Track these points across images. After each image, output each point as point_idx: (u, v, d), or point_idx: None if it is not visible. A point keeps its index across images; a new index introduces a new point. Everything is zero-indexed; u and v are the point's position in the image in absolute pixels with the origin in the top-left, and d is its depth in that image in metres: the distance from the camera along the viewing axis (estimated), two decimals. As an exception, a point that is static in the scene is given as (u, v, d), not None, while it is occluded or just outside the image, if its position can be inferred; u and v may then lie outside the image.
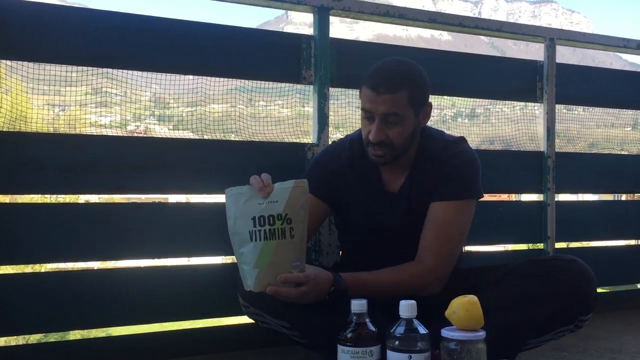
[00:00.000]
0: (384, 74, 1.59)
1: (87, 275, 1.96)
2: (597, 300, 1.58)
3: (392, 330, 1.27)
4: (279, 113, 2.29)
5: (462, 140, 1.75)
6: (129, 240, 1.89)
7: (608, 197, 3.29)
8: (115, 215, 1.91)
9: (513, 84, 2.59)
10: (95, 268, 2.29)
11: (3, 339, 1.90)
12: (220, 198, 1.92)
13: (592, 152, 2.95)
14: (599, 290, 1.62)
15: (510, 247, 3.09)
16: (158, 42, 1.95)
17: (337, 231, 1.93)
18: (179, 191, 2.00)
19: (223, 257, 2.09)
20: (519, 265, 1.66)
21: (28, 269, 2.27)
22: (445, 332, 1.26)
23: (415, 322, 1.27)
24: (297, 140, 2.20)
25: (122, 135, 2.07)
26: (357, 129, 1.83)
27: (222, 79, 2.11)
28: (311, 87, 2.15)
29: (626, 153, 3.08)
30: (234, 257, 1.45)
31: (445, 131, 1.82)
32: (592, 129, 2.95)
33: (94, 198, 2.26)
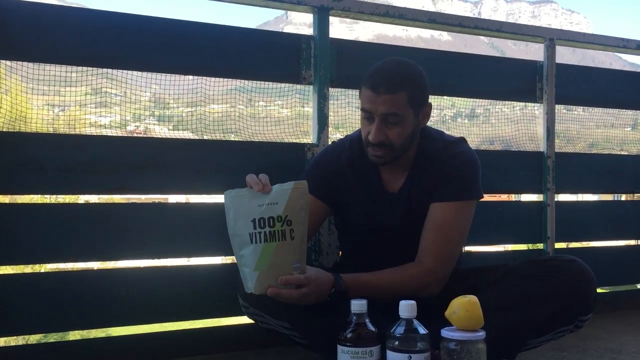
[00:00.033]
0: (384, 75, 1.59)
1: (87, 275, 1.96)
2: (597, 301, 1.58)
3: (392, 331, 1.27)
4: (278, 113, 2.29)
5: (462, 140, 1.75)
6: (129, 241, 1.89)
7: (608, 197, 3.29)
8: (115, 215, 1.91)
9: (513, 84, 2.60)
10: (95, 268, 2.29)
11: (3, 339, 1.89)
12: (220, 198, 1.92)
13: (592, 152, 2.95)
14: (598, 290, 1.62)
15: (510, 247, 3.09)
16: (157, 42, 1.95)
17: (337, 231, 1.93)
18: (178, 191, 2.00)
19: (223, 257, 2.09)
20: (518, 265, 1.66)
21: (28, 269, 2.27)
22: (445, 332, 1.26)
23: (415, 322, 1.27)
24: (297, 141, 2.20)
25: (121, 135, 2.08)
26: (356, 129, 1.83)
27: (221, 79, 2.11)
28: (311, 87, 2.15)
29: (626, 153, 3.08)
30: (233, 257, 1.44)
31: (445, 131, 1.82)
32: (591, 129, 2.95)
33: (93, 198, 2.26)
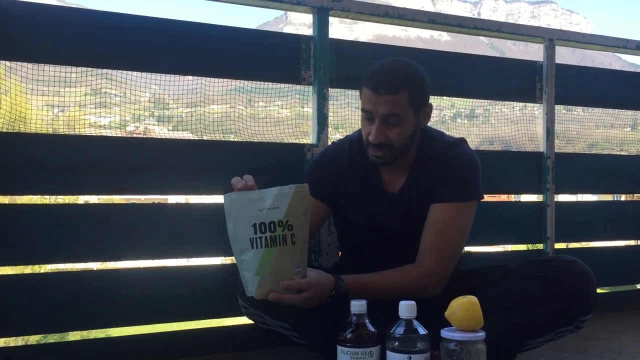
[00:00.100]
0: (385, 75, 1.59)
1: (87, 276, 1.96)
2: (596, 301, 1.58)
3: (391, 331, 1.27)
4: (278, 114, 2.29)
5: (462, 141, 1.75)
6: (129, 241, 1.89)
7: (607, 197, 3.29)
8: (114, 216, 1.90)
9: (512, 84, 2.60)
10: (95, 269, 2.29)
11: (2, 339, 1.89)
12: (219, 199, 1.92)
13: (592, 152, 2.95)
14: (598, 290, 1.62)
15: (510, 247, 3.09)
16: (157, 42, 1.95)
17: (337, 232, 1.93)
18: (178, 192, 2.00)
19: (222, 257, 2.09)
20: (518, 265, 1.66)
21: (27, 269, 2.27)
22: (445, 333, 1.26)
23: (415, 322, 1.27)
24: (297, 141, 2.20)
25: (121, 136, 2.08)
26: (356, 129, 1.83)
27: (221, 80, 2.11)
28: (310, 87, 2.15)
29: (625, 154, 3.09)
30: (233, 258, 1.44)
31: (445, 132, 1.82)
32: (591, 129, 2.95)
33: (93, 199, 2.26)
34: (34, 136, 1.84)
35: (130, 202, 2.13)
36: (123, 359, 1.87)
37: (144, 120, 2.28)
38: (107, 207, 2.05)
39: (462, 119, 2.87)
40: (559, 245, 2.63)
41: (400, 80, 1.58)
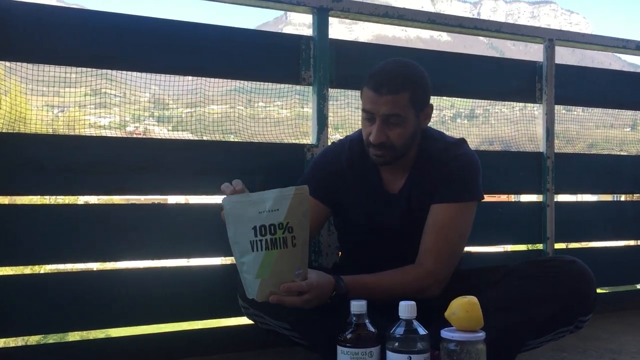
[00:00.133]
0: (386, 75, 1.59)
1: (87, 276, 1.96)
2: (596, 301, 1.58)
3: (391, 331, 1.27)
4: (278, 114, 2.29)
5: (462, 141, 1.75)
6: (129, 241, 1.89)
7: (607, 197, 3.29)
8: (114, 216, 1.90)
9: (512, 84, 2.60)
10: (95, 269, 2.29)
11: (2, 340, 1.89)
12: (219, 199, 1.92)
13: (591, 152, 2.95)
14: (598, 290, 1.62)
15: (510, 247, 3.09)
16: (157, 42, 1.95)
17: (337, 232, 1.93)
18: (178, 192, 2.00)
19: (222, 258, 2.08)
20: (518, 266, 1.66)
21: (27, 270, 2.27)
22: (445, 333, 1.26)
23: (415, 323, 1.27)
24: (297, 141, 2.20)
25: (121, 136, 2.07)
26: (356, 129, 1.83)
27: (221, 80, 2.11)
28: (310, 88, 2.15)
29: (625, 154, 3.09)
30: (233, 258, 1.44)
31: (445, 132, 1.82)
32: (591, 129, 2.95)
33: (93, 199, 2.26)
34: (33, 136, 1.84)
35: (130, 202, 2.12)
36: (122, 359, 1.87)
37: (144, 120, 2.28)
38: (107, 208, 2.05)
39: (461, 119, 2.87)
40: (558, 246, 2.64)
41: (402, 81, 1.58)
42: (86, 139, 1.91)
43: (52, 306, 1.80)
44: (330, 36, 2.15)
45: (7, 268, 1.85)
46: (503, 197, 3.51)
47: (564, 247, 2.83)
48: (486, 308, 1.29)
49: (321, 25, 2.14)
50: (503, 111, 2.79)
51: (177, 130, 2.18)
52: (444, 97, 2.53)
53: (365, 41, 3.49)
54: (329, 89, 2.15)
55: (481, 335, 1.25)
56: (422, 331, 1.26)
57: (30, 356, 1.81)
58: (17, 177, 1.76)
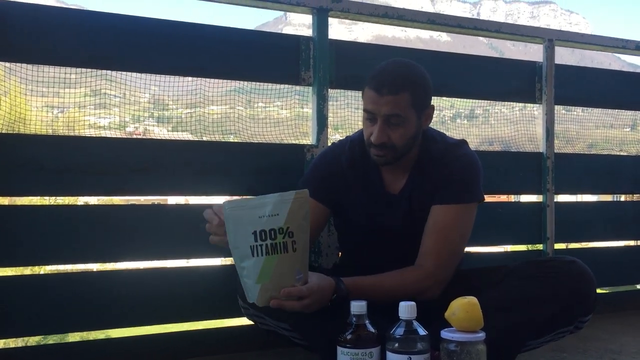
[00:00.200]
0: (387, 76, 1.59)
1: (87, 276, 1.96)
2: (596, 301, 1.58)
3: (391, 332, 1.27)
4: (278, 114, 2.29)
5: (463, 142, 1.75)
6: (128, 242, 1.89)
7: (607, 197, 3.29)
8: (114, 217, 1.90)
9: (512, 84, 2.60)
10: (95, 270, 2.29)
11: (2, 341, 1.89)
12: (219, 199, 1.92)
13: (591, 153, 2.95)
14: (598, 291, 1.61)
15: (510, 248, 3.09)
16: (156, 43, 1.95)
17: (337, 232, 1.93)
18: (178, 193, 2.00)
19: (222, 258, 2.09)
20: (518, 266, 1.66)
21: (27, 270, 2.27)
22: (445, 334, 1.26)
23: (415, 323, 1.27)
24: (296, 142, 2.20)
25: (121, 137, 2.07)
26: (356, 130, 1.83)
27: (221, 81, 2.11)
28: (310, 88, 2.15)
29: (625, 154, 3.09)
30: (233, 258, 1.44)
31: (445, 132, 1.82)
32: (591, 129, 2.95)
33: (93, 200, 2.26)
34: (33, 137, 1.84)
35: (129, 203, 2.12)
36: (123, 360, 1.87)
37: (144, 121, 2.28)
38: (106, 208, 2.04)
39: (461, 119, 2.87)
40: (558, 246, 2.64)
41: (403, 81, 1.58)
42: (86, 139, 1.91)
43: (52, 307, 1.80)
44: (330, 36, 2.15)
45: (7, 269, 1.85)
46: (503, 198, 3.51)
47: (564, 247, 2.84)
48: (486, 308, 1.29)
49: (321, 26, 2.14)
50: (503, 111, 2.79)
51: (177, 131, 2.18)
52: (444, 98, 2.53)
53: (365, 41, 3.49)
54: (329, 90, 2.15)
55: (481, 335, 1.25)
56: (422, 332, 1.26)
57: (30, 357, 1.81)
58: (17, 177, 1.76)
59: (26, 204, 2.00)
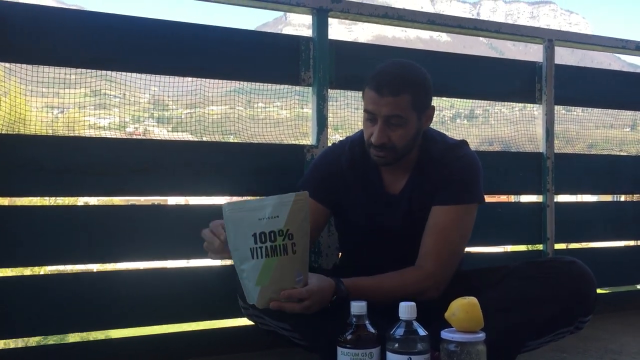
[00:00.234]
0: (388, 76, 1.59)
1: (86, 277, 1.96)
2: (597, 302, 1.58)
3: (391, 332, 1.27)
4: (277, 115, 2.29)
5: (464, 143, 1.75)
6: (129, 243, 1.89)
7: (607, 198, 3.29)
8: (114, 217, 1.90)
9: (512, 85, 2.60)
10: (95, 270, 2.29)
11: (2, 341, 1.89)
12: (219, 200, 1.92)
13: (591, 153, 2.95)
14: (598, 291, 1.61)
15: (510, 248, 3.09)
16: (156, 44, 1.95)
17: (337, 233, 1.93)
18: (178, 193, 2.00)
19: (222, 259, 2.08)
20: (518, 266, 1.66)
21: (27, 271, 2.27)
22: (445, 334, 1.26)
23: (415, 323, 1.27)
24: (296, 142, 2.20)
25: (121, 137, 2.07)
26: (355, 130, 1.83)
27: (220, 81, 2.11)
28: (310, 88, 2.15)
29: (625, 154, 3.09)
30: (232, 260, 1.43)
31: (445, 133, 1.82)
32: (591, 129, 2.95)
33: (93, 200, 2.26)
34: (33, 138, 1.84)
35: (130, 203, 2.12)
36: (123, 361, 1.87)
37: (144, 121, 2.28)
38: (106, 209, 2.04)
39: (461, 119, 2.87)
40: (558, 246, 2.64)
41: (404, 82, 1.58)
42: (86, 140, 1.91)
43: (52, 307, 1.80)
44: (329, 37, 2.15)
45: (7, 269, 1.85)
46: (503, 198, 3.51)
47: (564, 247, 2.83)
48: (486, 309, 1.29)
49: (321, 26, 2.14)
50: (503, 111, 2.79)
51: (177, 131, 2.18)
52: (444, 98, 2.53)
53: (365, 42, 3.49)
54: (329, 90, 2.15)
55: (481, 336, 1.25)
56: (422, 332, 1.26)
57: (31, 357, 1.81)
58: (17, 178, 1.76)
59: (26, 204, 1.99)
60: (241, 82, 2.18)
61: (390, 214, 1.71)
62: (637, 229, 2.89)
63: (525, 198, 2.86)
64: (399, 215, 1.70)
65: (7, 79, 1.83)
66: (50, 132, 1.92)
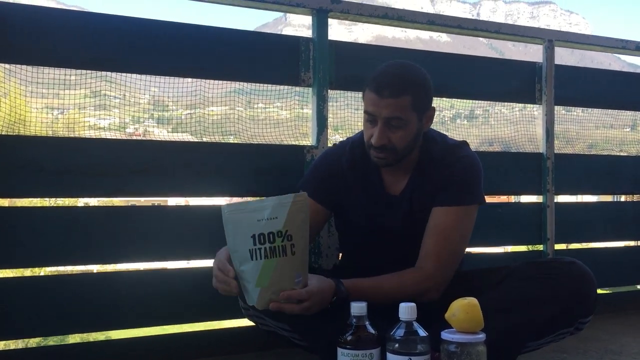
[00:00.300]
0: (388, 78, 1.59)
1: (86, 278, 1.96)
2: (597, 302, 1.58)
3: (392, 333, 1.26)
4: (277, 115, 2.29)
5: (464, 144, 1.75)
6: (128, 243, 1.89)
7: (607, 198, 3.29)
8: (114, 218, 1.90)
9: (512, 85, 2.60)
10: (95, 271, 2.29)
11: (2, 342, 1.89)
12: (219, 201, 1.92)
13: (591, 153, 2.95)
14: (599, 291, 1.61)
15: (510, 248, 3.09)
16: (156, 44, 1.95)
17: (337, 233, 1.93)
18: (178, 194, 2.00)
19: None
20: (518, 267, 1.65)
21: (27, 272, 2.27)
22: (445, 335, 1.26)
23: (415, 324, 1.27)
24: (296, 143, 2.20)
25: (121, 138, 2.07)
26: (355, 130, 1.83)
27: (220, 82, 2.11)
28: (310, 89, 2.15)
29: (625, 154, 3.09)
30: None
31: (445, 133, 1.81)
32: (591, 130, 2.95)
33: (93, 201, 2.26)
34: (33, 139, 1.84)
35: (130, 204, 2.12)
36: (123, 362, 1.87)
37: (144, 122, 2.28)
38: (106, 210, 2.05)
39: (461, 119, 2.87)
40: (559, 246, 2.63)
41: (404, 84, 1.58)
42: (86, 141, 1.91)
43: (52, 308, 1.80)
44: (329, 37, 2.15)
45: (7, 270, 1.85)
46: (503, 198, 3.51)
47: (564, 247, 2.83)
48: (486, 309, 1.29)
49: (320, 27, 2.14)
50: (503, 112, 2.79)
51: (177, 132, 2.18)
52: (444, 98, 2.53)
53: (365, 42, 3.49)
54: (329, 90, 2.15)
55: (481, 336, 1.25)
56: (422, 333, 1.26)
57: (31, 358, 1.81)
58: (17, 179, 1.76)
59: (26, 205, 2.00)
60: (241, 83, 2.18)
61: (391, 215, 1.71)
62: (637, 229, 2.88)
63: (526, 198, 2.86)
64: (400, 216, 1.70)
65: (7, 79, 1.84)
66: (50, 133, 1.93)
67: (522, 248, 2.78)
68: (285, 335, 1.56)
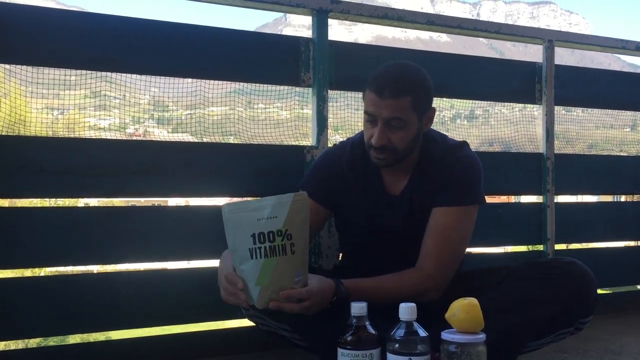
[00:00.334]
0: (389, 78, 1.59)
1: (87, 278, 1.95)
2: (597, 302, 1.58)
3: (392, 333, 1.26)
4: (278, 115, 2.29)
5: (464, 144, 1.75)
6: (129, 244, 1.89)
7: (607, 198, 3.29)
8: (114, 218, 1.90)
9: (512, 85, 2.60)
10: (95, 271, 2.29)
11: (2, 343, 1.89)
12: (219, 201, 1.92)
13: (591, 153, 2.95)
14: (599, 291, 1.61)
15: (510, 248, 3.09)
16: (156, 45, 1.95)
17: (338, 233, 1.93)
18: (178, 194, 2.00)
19: (223, 260, 2.08)
20: (518, 267, 1.65)
21: (27, 272, 2.27)
22: (445, 335, 1.26)
23: (415, 324, 1.27)
24: (296, 143, 2.20)
25: (121, 138, 2.07)
26: (355, 131, 1.83)
27: (221, 82, 2.11)
28: (310, 89, 2.15)
29: (625, 154, 3.09)
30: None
31: (445, 133, 1.81)
32: (591, 130, 2.95)
33: (93, 201, 2.26)
34: (33, 139, 1.85)
35: (130, 204, 2.12)
36: (123, 362, 1.87)
37: (144, 122, 2.28)
38: (107, 210, 2.05)
39: (461, 120, 2.87)
40: (559, 246, 2.63)
41: (404, 85, 1.58)
42: (86, 141, 1.91)
43: (52, 308, 1.80)
44: (329, 38, 2.15)
45: (7, 270, 1.85)
46: (503, 198, 3.51)
47: (565, 247, 2.83)
48: (486, 309, 1.29)
49: (320, 27, 2.14)
50: (503, 112, 2.79)
51: (177, 132, 2.18)
52: (444, 98, 2.53)
53: (365, 42, 3.49)
54: (329, 91, 2.15)
55: (482, 336, 1.25)
56: (422, 333, 1.26)
57: (31, 358, 1.81)
58: (17, 179, 1.76)
59: (26, 205, 1.99)
60: (241, 83, 2.18)
61: (391, 215, 1.71)
62: (637, 229, 2.88)
63: (526, 198, 2.86)
64: (400, 216, 1.70)
65: (7, 80, 1.84)
66: (50, 134, 1.93)
67: (522, 248, 2.78)
68: (286, 335, 1.56)
